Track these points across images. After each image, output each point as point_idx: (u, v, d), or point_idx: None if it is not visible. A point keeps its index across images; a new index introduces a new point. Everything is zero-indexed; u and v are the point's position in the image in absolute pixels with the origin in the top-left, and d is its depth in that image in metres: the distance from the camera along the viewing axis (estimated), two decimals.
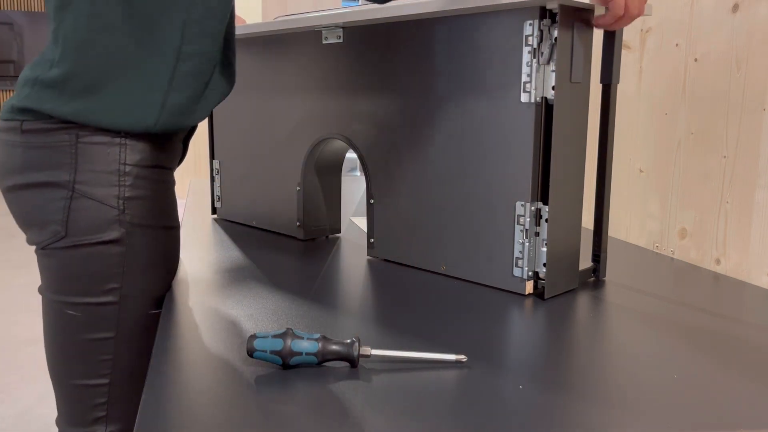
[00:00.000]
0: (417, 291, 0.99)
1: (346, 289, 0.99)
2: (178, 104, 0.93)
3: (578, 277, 1.02)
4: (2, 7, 8.15)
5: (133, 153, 0.93)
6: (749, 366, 0.74)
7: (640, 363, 0.74)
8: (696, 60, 1.22)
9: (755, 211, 1.09)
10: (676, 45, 1.27)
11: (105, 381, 0.96)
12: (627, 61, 1.42)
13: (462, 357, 0.72)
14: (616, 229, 1.46)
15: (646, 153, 1.36)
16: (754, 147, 1.09)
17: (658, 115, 1.32)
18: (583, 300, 0.97)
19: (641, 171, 1.38)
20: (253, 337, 0.70)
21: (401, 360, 0.73)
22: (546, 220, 0.94)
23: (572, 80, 0.92)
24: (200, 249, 1.23)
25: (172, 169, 1.01)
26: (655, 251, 1.31)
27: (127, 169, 0.92)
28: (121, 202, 0.92)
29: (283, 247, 1.25)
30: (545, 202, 0.94)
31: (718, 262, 1.17)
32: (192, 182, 2.02)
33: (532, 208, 0.95)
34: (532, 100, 0.92)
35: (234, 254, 1.19)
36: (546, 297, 0.96)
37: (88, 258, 0.92)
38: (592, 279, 1.07)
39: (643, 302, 0.96)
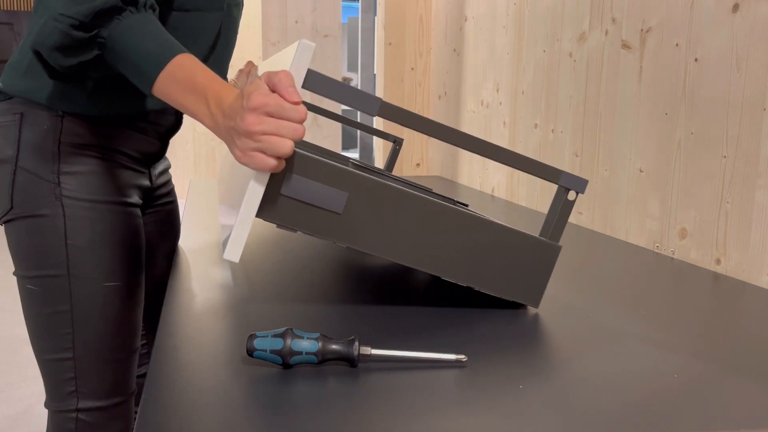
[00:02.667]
0: (417, 291, 0.99)
1: (346, 288, 0.99)
2: (101, 89, 0.97)
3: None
4: (2, 7, 8.16)
5: (71, 131, 0.98)
6: (749, 366, 0.74)
7: (640, 363, 0.74)
8: (696, 60, 1.22)
9: (755, 211, 1.09)
10: (676, 45, 1.27)
11: (69, 355, 1.00)
12: (627, 61, 1.42)
13: (462, 357, 0.72)
14: (616, 229, 1.46)
15: (646, 153, 1.36)
16: (754, 147, 1.09)
17: (658, 115, 1.32)
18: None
19: (641, 171, 1.38)
20: (253, 336, 0.70)
21: (401, 360, 0.73)
22: None
23: None
24: (200, 249, 1.23)
25: (121, 152, 1.04)
26: (655, 251, 1.31)
27: (63, 146, 0.98)
28: (55, 176, 0.97)
29: (284, 246, 1.25)
30: None
31: (718, 262, 1.17)
32: (192, 182, 2.02)
33: None
34: None
35: None
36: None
37: (33, 231, 0.98)
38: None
39: (643, 302, 0.96)
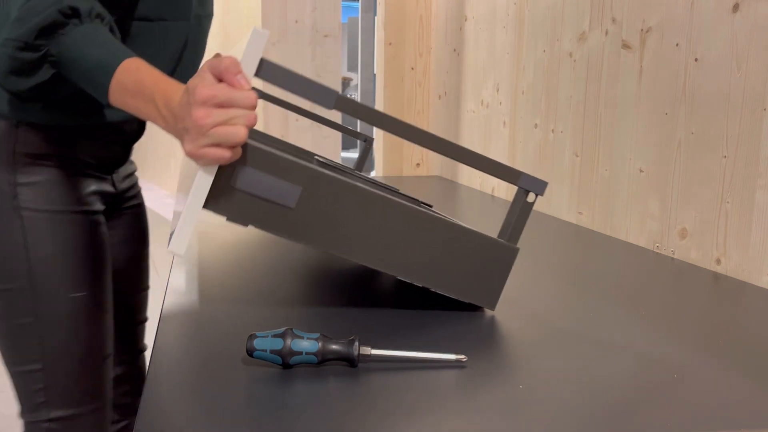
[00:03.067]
0: (417, 290, 0.99)
1: (347, 289, 0.99)
2: (58, 99, 0.94)
3: None
4: None
5: (27, 140, 0.96)
6: (749, 366, 0.74)
7: (640, 363, 0.74)
8: (696, 60, 1.22)
9: (756, 211, 1.09)
10: (676, 45, 1.27)
11: (38, 366, 0.99)
12: (627, 61, 1.42)
13: (462, 357, 0.72)
14: (616, 229, 1.46)
15: (646, 153, 1.36)
16: (754, 147, 1.09)
17: (658, 115, 1.32)
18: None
19: (641, 171, 1.38)
20: (253, 336, 0.69)
21: (401, 360, 0.73)
22: None
23: None
24: (200, 248, 1.22)
25: (81, 160, 1.02)
26: (656, 251, 1.31)
27: (19, 156, 0.96)
28: (12, 187, 0.95)
29: (284, 246, 1.25)
30: None
31: (718, 262, 1.17)
32: None
33: None
34: None
35: (234, 253, 1.19)
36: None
37: None
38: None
39: (643, 302, 0.96)
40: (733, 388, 0.68)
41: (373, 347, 0.76)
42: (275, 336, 0.69)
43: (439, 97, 2.61)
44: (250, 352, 0.69)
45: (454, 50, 2.44)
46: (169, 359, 0.72)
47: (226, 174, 0.75)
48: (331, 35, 2.94)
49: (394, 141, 2.77)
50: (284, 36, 2.93)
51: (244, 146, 0.74)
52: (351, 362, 0.70)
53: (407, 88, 2.74)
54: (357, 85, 5.92)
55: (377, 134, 2.88)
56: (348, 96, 0.78)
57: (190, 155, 0.70)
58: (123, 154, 1.12)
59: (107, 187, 1.10)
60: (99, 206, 1.07)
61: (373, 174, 3.74)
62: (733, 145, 1.14)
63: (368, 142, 1.62)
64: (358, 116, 0.78)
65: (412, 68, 2.72)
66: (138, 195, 1.25)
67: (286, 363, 0.69)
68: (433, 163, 2.68)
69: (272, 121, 2.91)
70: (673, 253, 1.28)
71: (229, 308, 0.89)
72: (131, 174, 1.22)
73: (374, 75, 5.10)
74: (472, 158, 0.84)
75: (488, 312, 0.90)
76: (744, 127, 1.12)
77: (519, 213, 0.88)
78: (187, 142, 0.70)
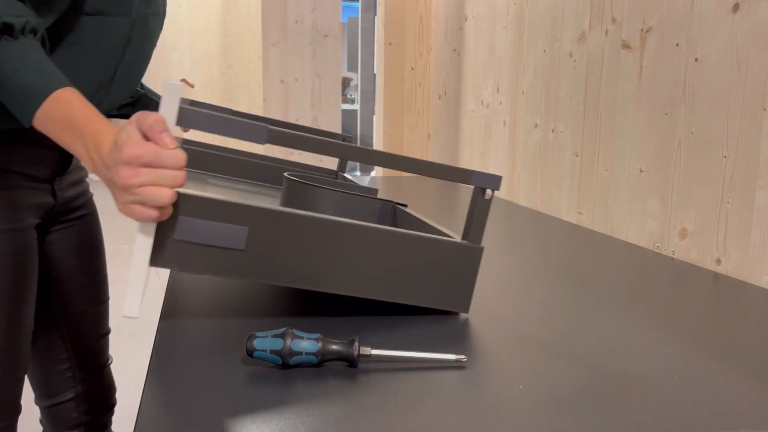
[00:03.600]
0: None
1: None
2: None
3: None
4: None
5: None
6: (749, 366, 0.74)
7: (640, 363, 0.74)
8: (696, 60, 1.22)
9: (756, 211, 1.09)
10: (676, 45, 1.27)
11: None
12: (627, 61, 1.42)
13: (462, 357, 0.72)
14: (616, 229, 1.46)
15: (646, 153, 1.36)
16: (754, 147, 1.09)
17: (658, 115, 1.32)
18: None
19: (641, 171, 1.38)
20: (253, 336, 0.69)
21: (401, 360, 0.73)
22: None
23: None
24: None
25: (11, 172, 0.97)
26: (656, 251, 1.31)
27: None
28: None
29: None
30: None
31: (718, 262, 1.17)
32: None
33: None
34: None
35: None
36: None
37: None
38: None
39: (643, 302, 0.96)
40: (733, 388, 0.68)
41: (373, 347, 0.76)
42: (275, 336, 0.69)
43: (439, 97, 2.61)
44: (250, 352, 0.69)
45: (454, 50, 2.43)
46: (169, 359, 0.72)
47: (167, 227, 0.73)
48: (331, 35, 2.94)
49: (393, 140, 2.77)
50: (284, 36, 2.93)
51: (180, 196, 0.73)
52: (351, 362, 0.70)
53: (407, 88, 2.74)
54: (357, 85, 5.92)
55: (377, 134, 2.88)
56: (278, 129, 0.74)
57: (120, 209, 0.68)
58: (63, 160, 1.06)
59: (45, 198, 1.04)
60: (32, 220, 1.01)
61: (372, 174, 3.73)
62: (733, 145, 1.14)
63: (347, 140, 1.64)
64: (291, 146, 0.75)
65: (412, 68, 2.72)
66: (88, 203, 1.19)
67: (285, 363, 0.69)
68: None
69: None
70: (673, 253, 1.28)
71: (230, 308, 0.89)
72: (80, 181, 1.16)
73: (374, 75, 5.10)
74: (420, 166, 0.82)
75: (488, 312, 0.90)
76: (744, 127, 1.12)
77: (478, 212, 0.86)
78: (116, 198, 0.68)
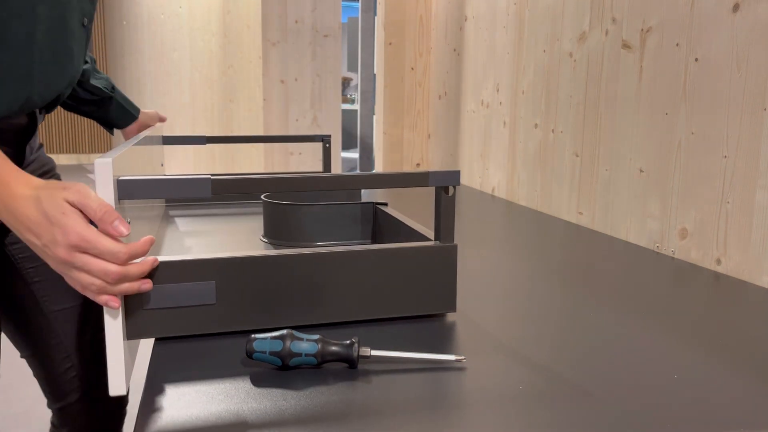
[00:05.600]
0: None
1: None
2: None
3: None
4: None
5: None
6: (749, 366, 0.74)
7: (640, 363, 0.74)
8: (696, 60, 1.22)
9: (756, 211, 1.09)
10: (676, 45, 1.27)
11: None
12: (627, 61, 1.42)
13: (461, 357, 0.72)
14: (616, 229, 1.46)
15: (646, 153, 1.36)
16: (754, 147, 1.09)
17: (659, 115, 1.32)
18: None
19: (641, 171, 1.38)
20: (253, 338, 0.69)
21: (401, 360, 0.73)
22: None
23: None
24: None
25: None
26: (656, 251, 1.31)
27: None
28: None
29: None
30: None
31: (718, 262, 1.17)
32: None
33: None
34: None
35: None
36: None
37: None
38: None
39: (643, 302, 0.96)
40: (733, 388, 0.68)
41: (373, 347, 0.76)
42: (275, 338, 0.69)
43: (439, 97, 2.60)
44: (250, 354, 0.69)
45: (454, 50, 2.43)
46: (169, 360, 0.72)
47: (135, 299, 0.73)
48: (331, 35, 2.94)
49: (394, 142, 2.77)
50: (284, 36, 2.93)
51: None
52: (351, 363, 0.70)
53: (407, 88, 2.74)
54: (357, 85, 5.92)
55: (376, 134, 2.88)
56: (221, 178, 0.73)
57: (60, 272, 0.66)
58: (15, 155, 1.00)
59: None
60: None
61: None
62: (733, 145, 1.14)
63: (325, 140, 1.65)
64: (238, 191, 0.73)
65: (412, 68, 2.72)
66: None
67: (285, 365, 0.69)
68: (434, 163, 2.68)
69: (272, 125, 2.91)
70: (673, 253, 1.28)
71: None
72: (46, 174, 1.11)
73: (374, 75, 5.10)
74: (375, 181, 0.81)
75: (489, 312, 0.90)
76: (744, 127, 1.11)
77: (444, 210, 0.85)
78: (60, 271, 0.66)
